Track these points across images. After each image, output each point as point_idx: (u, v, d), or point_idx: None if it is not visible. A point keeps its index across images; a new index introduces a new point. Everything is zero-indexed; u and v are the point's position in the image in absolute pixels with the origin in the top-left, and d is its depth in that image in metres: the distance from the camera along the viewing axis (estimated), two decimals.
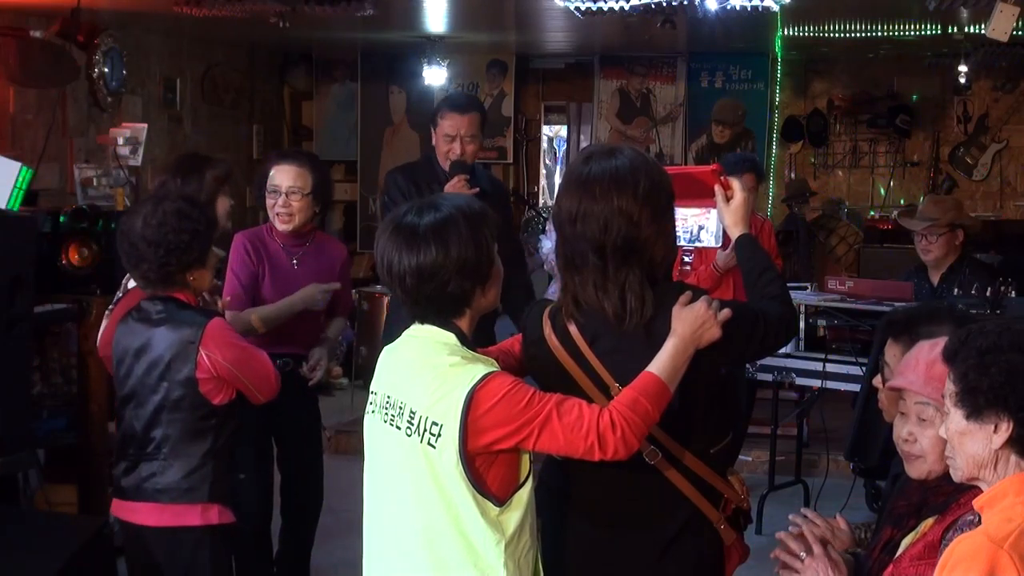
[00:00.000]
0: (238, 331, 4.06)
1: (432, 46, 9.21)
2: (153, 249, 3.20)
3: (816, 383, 5.51)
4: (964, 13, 6.61)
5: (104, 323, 3.82)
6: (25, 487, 5.01)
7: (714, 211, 2.92)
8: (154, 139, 7.73)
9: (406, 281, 2.44)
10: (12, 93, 6.65)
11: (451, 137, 4.55)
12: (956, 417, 1.97)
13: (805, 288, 6.08)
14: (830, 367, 5.35)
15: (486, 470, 2.37)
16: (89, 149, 7.34)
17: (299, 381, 4.20)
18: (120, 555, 3.72)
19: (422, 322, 2.50)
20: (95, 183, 6.34)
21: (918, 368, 2.28)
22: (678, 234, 2.75)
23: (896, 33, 8.01)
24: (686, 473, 2.55)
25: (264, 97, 10.30)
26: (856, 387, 5.01)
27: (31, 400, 4.67)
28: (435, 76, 9.40)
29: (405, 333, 2.56)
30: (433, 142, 4.69)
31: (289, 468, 4.43)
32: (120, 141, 6.41)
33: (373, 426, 2.56)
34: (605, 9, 6.26)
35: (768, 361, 5.50)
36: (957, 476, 2.03)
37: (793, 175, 10.12)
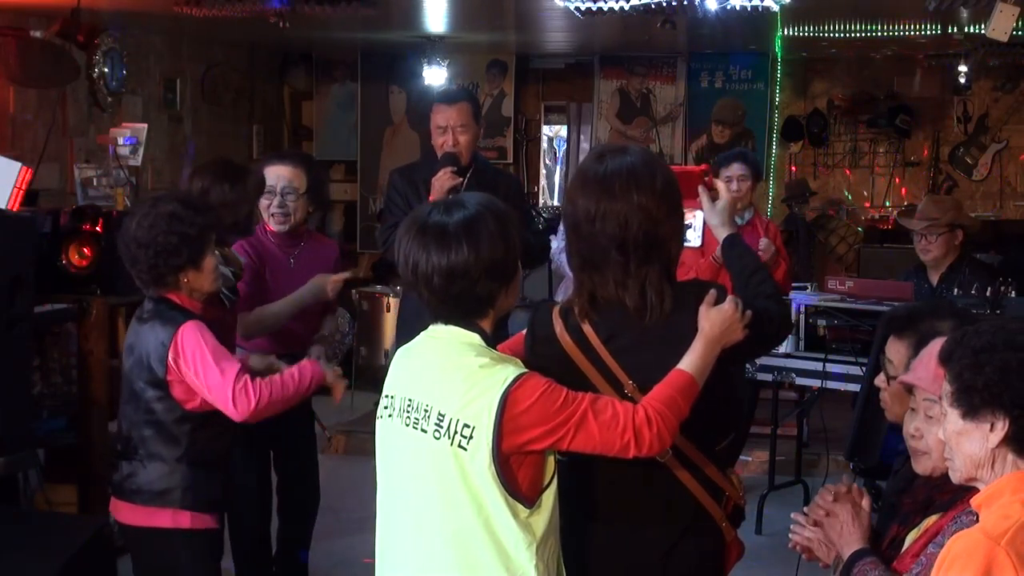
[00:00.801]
0: (252, 331, 4.08)
1: (432, 46, 9.21)
2: (143, 251, 3.21)
3: (816, 383, 5.51)
4: (964, 13, 6.61)
5: None
6: (25, 487, 5.01)
7: (700, 211, 2.93)
8: (154, 139, 7.74)
9: (433, 281, 2.39)
10: (12, 93, 6.66)
11: (442, 128, 4.54)
12: (953, 417, 1.98)
13: (805, 288, 6.08)
14: (830, 367, 5.35)
15: (517, 472, 2.35)
16: (89, 149, 7.34)
17: None
18: (120, 555, 3.73)
19: (446, 323, 2.46)
20: (95, 183, 6.35)
21: (929, 365, 2.29)
22: None
23: (896, 33, 8.01)
24: (693, 471, 2.58)
25: (264, 97, 10.30)
26: (856, 387, 5.00)
27: (31, 400, 4.67)
28: (435, 76, 9.40)
29: (424, 334, 2.51)
30: (431, 140, 4.70)
31: (286, 468, 4.44)
32: (120, 141, 6.42)
33: (391, 431, 2.49)
34: (605, 9, 6.27)
35: (768, 361, 5.50)
36: (956, 477, 2.03)
37: (793, 175, 10.12)
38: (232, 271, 3.82)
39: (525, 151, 10.46)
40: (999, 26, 5.26)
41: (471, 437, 2.32)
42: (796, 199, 9.73)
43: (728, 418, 2.72)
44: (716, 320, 2.49)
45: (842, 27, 8.03)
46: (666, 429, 2.39)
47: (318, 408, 4.49)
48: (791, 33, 8.32)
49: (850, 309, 5.34)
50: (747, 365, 5.52)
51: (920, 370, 2.32)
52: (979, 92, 9.70)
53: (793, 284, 6.01)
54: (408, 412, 2.44)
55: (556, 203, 10.35)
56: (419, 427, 2.40)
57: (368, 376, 8.16)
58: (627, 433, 2.36)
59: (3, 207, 4.40)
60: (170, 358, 3.17)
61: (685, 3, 6.17)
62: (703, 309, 2.50)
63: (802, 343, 5.50)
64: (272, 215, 4.24)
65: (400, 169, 4.90)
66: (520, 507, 2.35)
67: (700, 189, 2.82)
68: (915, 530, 2.32)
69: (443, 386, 2.39)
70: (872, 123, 9.93)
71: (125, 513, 3.32)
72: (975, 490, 2.02)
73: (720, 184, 2.79)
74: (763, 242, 5.52)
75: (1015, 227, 9.13)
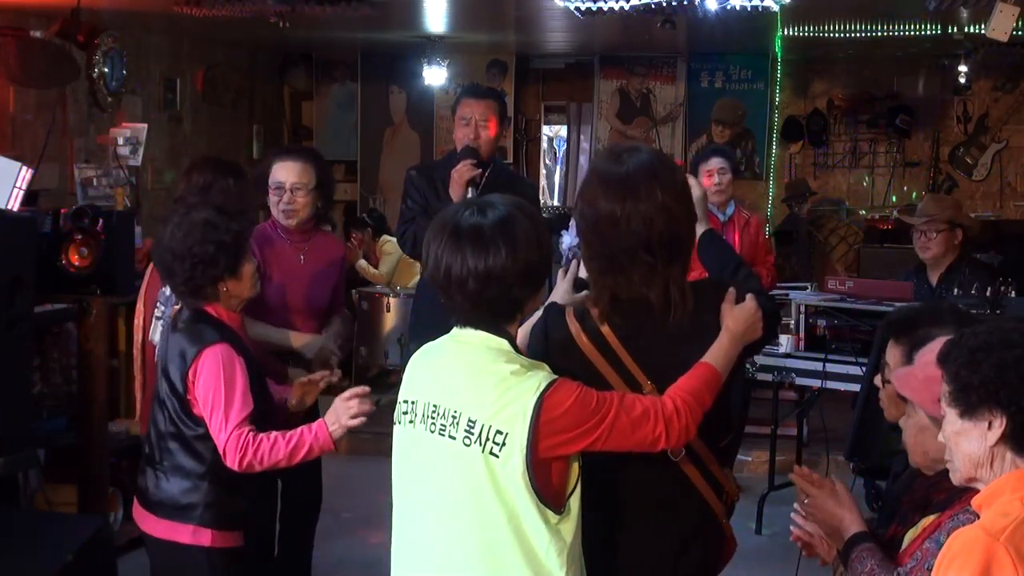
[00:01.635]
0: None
1: (432, 46, 9.21)
2: (179, 263, 3.14)
3: (816, 383, 5.52)
4: (964, 13, 6.61)
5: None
6: (25, 487, 5.01)
7: None
8: (154, 139, 7.74)
9: (468, 285, 2.33)
10: (12, 93, 6.66)
11: (466, 120, 4.55)
12: (951, 417, 1.99)
13: (805, 288, 6.08)
14: (830, 367, 5.35)
15: (547, 478, 2.33)
16: (89, 149, 7.34)
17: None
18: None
19: (476, 327, 2.40)
20: (95, 183, 6.35)
21: (914, 373, 2.31)
22: None
23: (896, 33, 8.01)
24: (701, 468, 2.60)
25: (264, 97, 10.30)
26: (856, 387, 5.01)
27: (31, 400, 4.67)
28: (435, 76, 9.41)
29: (447, 339, 2.46)
30: (454, 136, 4.71)
31: (288, 469, 4.43)
32: (120, 141, 6.43)
33: (413, 437, 2.44)
34: (605, 9, 6.27)
35: (768, 361, 5.50)
36: (956, 478, 2.04)
37: (793, 175, 10.12)
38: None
39: (525, 151, 10.47)
40: (999, 26, 5.26)
41: (504, 444, 2.29)
42: (796, 199, 9.73)
43: (730, 415, 2.73)
44: (740, 317, 2.53)
45: (842, 27, 8.03)
46: (692, 420, 2.41)
47: (319, 408, 4.49)
48: (791, 33, 8.32)
49: (850, 309, 5.35)
50: (747, 365, 5.53)
51: (902, 375, 2.34)
52: (979, 92, 9.71)
53: (793, 284, 6.01)
54: (433, 418, 2.38)
55: (556, 203, 10.36)
56: (446, 434, 2.35)
57: (369, 376, 8.16)
58: (659, 427, 2.38)
59: (3, 207, 4.40)
60: (189, 375, 3.12)
61: (685, 3, 6.17)
62: (726, 306, 2.53)
63: (802, 343, 5.50)
64: (282, 211, 4.24)
65: (418, 167, 4.92)
66: (551, 513, 2.32)
67: None
68: (913, 529, 2.32)
69: (474, 392, 2.34)
70: (872, 123, 9.93)
71: (148, 523, 3.26)
72: (972, 490, 2.02)
73: (692, 179, 2.78)
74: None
75: (1015, 227, 9.13)
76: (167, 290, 3.80)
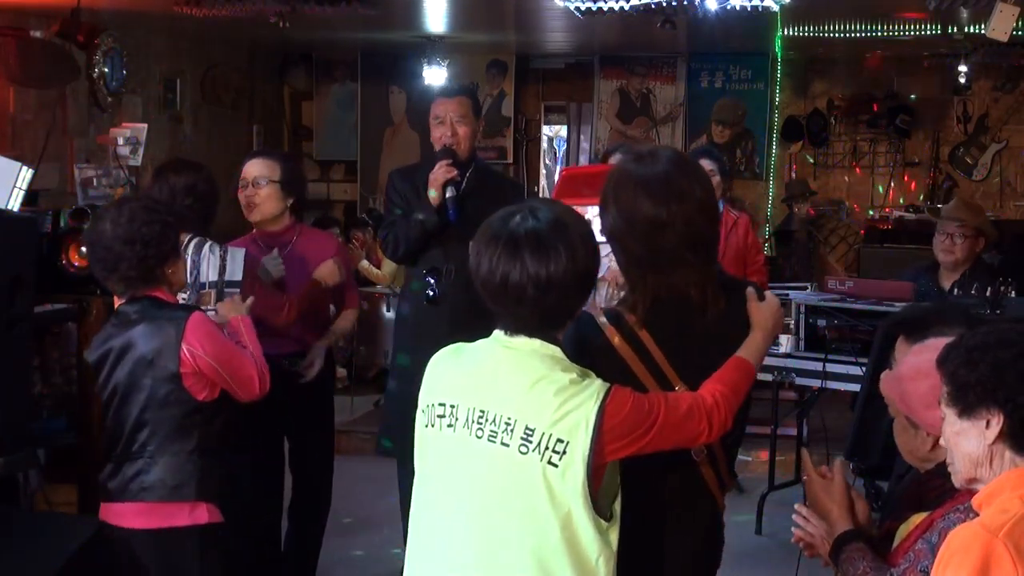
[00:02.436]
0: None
1: (432, 46, 9.21)
2: (129, 247, 3.20)
3: (816, 383, 5.51)
4: (964, 13, 6.61)
5: None
6: (25, 487, 5.00)
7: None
8: (154, 139, 7.73)
9: (527, 292, 2.28)
10: (12, 93, 6.66)
11: (440, 119, 4.40)
12: (951, 417, 2.00)
13: (805, 288, 6.07)
14: (830, 367, 5.35)
15: (599, 485, 2.32)
16: (89, 149, 7.34)
17: (311, 381, 4.27)
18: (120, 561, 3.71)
19: (529, 335, 2.34)
20: (95, 183, 6.34)
21: (892, 373, 2.34)
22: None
23: (896, 33, 8.02)
24: (715, 466, 2.64)
25: (264, 97, 10.30)
26: (856, 387, 5.00)
27: (31, 400, 4.67)
28: (435, 76, 9.41)
29: (490, 343, 2.40)
30: (430, 137, 4.65)
31: (301, 468, 4.45)
32: (120, 141, 6.41)
33: (453, 442, 2.36)
34: (605, 9, 6.27)
35: (768, 361, 5.48)
36: (957, 480, 2.05)
37: (793, 175, 10.12)
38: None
39: (525, 151, 10.47)
40: (999, 26, 5.26)
41: (564, 452, 2.26)
42: (796, 199, 9.73)
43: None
44: (768, 313, 2.59)
45: (842, 27, 8.03)
46: (729, 413, 2.45)
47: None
48: (791, 33, 8.33)
49: (850, 309, 5.34)
50: None
51: (890, 379, 2.36)
52: (979, 92, 9.71)
53: (793, 284, 6.01)
54: (480, 424, 2.32)
55: None
56: (498, 440, 2.30)
57: (367, 376, 8.16)
58: (702, 422, 2.41)
59: (3, 207, 4.40)
60: (184, 350, 3.18)
61: (685, 3, 6.17)
62: (753, 304, 2.58)
63: (802, 343, 5.50)
64: (245, 205, 4.32)
65: (400, 170, 4.86)
66: (602, 521, 2.31)
67: None
68: (904, 524, 2.32)
69: (532, 400, 2.28)
70: (872, 123, 9.93)
71: (131, 517, 3.25)
72: (963, 491, 2.03)
73: None
74: None
75: (1015, 227, 9.13)
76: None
